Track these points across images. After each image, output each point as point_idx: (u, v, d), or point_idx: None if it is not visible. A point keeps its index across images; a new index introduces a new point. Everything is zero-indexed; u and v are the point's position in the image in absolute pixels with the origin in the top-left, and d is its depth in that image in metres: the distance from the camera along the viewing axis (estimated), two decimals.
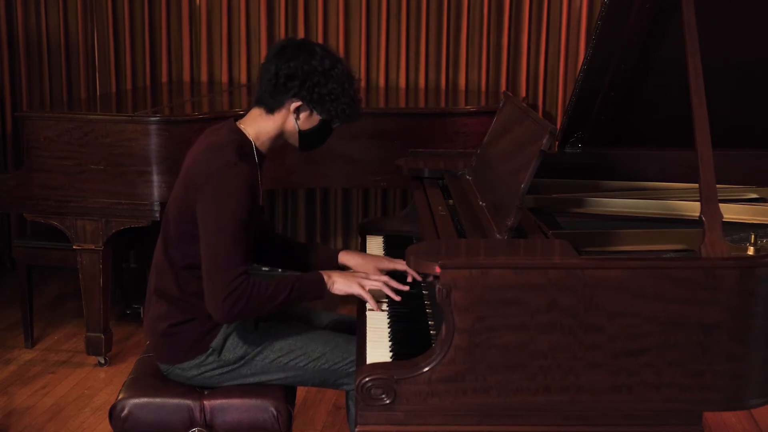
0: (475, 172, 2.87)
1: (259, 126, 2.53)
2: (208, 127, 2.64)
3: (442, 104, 4.55)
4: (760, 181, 3.02)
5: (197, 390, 2.55)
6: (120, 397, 2.54)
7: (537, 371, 2.06)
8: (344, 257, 2.76)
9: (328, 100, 2.47)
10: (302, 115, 2.50)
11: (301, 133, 2.53)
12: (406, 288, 2.51)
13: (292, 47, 2.49)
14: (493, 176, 2.57)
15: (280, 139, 2.56)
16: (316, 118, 2.51)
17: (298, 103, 2.47)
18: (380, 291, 2.51)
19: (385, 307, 2.50)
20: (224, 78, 5.04)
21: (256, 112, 2.54)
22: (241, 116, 2.58)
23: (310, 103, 2.47)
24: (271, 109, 2.50)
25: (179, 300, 2.52)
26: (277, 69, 2.46)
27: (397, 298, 2.49)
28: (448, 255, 2.12)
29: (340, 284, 2.50)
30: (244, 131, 2.52)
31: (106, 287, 3.90)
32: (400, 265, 2.66)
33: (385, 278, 2.53)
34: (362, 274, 2.56)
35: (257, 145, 2.53)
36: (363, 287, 2.49)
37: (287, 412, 2.51)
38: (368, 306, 2.50)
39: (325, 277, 2.49)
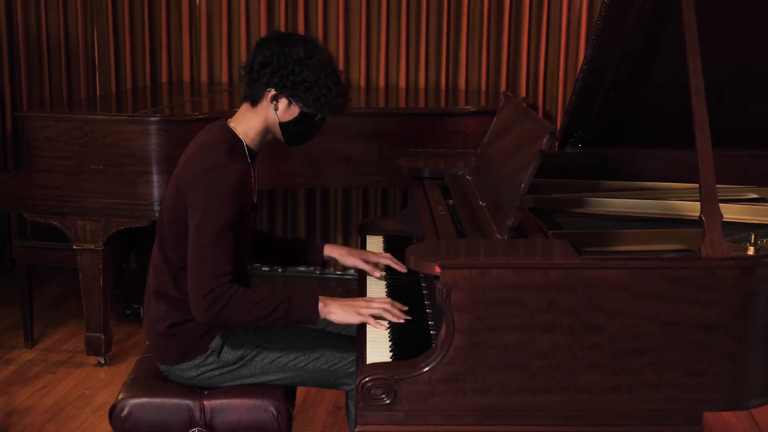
0: (475, 172, 2.87)
1: (246, 122, 2.52)
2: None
3: (442, 104, 4.55)
4: (760, 181, 3.02)
5: (197, 390, 2.55)
6: (120, 397, 2.54)
7: (537, 371, 2.06)
8: (329, 250, 2.80)
9: (301, 89, 2.44)
10: (280, 105, 2.48)
11: (283, 125, 2.51)
12: (405, 310, 2.43)
13: (271, 38, 2.49)
14: (493, 176, 2.57)
15: (268, 134, 2.55)
16: (295, 109, 2.48)
17: (273, 92, 2.46)
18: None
19: (386, 324, 2.38)
20: (224, 78, 5.04)
21: (243, 108, 2.54)
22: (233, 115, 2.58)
23: (284, 90, 2.45)
24: (254, 102, 2.50)
25: (177, 301, 2.52)
26: (253, 58, 2.47)
27: (401, 321, 2.38)
28: (448, 255, 2.12)
29: (337, 315, 2.40)
30: (234, 129, 2.52)
31: (106, 287, 3.90)
32: (383, 258, 2.70)
33: (387, 304, 2.42)
34: (362, 302, 2.45)
35: (247, 142, 2.52)
36: (362, 315, 2.39)
37: (287, 412, 2.51)
38: (368, 328, 2.39)
39: (321, 304, 2.40)
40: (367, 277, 2.78)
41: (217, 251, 2.35)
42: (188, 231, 2.42)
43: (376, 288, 2.70)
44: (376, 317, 2.39)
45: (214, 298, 2.33)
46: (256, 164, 2.57)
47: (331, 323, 2.74)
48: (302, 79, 2.43)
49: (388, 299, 2.46)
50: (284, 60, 2.43)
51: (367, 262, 2.76)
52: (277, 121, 2.50)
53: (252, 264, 2.72)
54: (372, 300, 2.46)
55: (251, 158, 2.53)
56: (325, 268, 5.17)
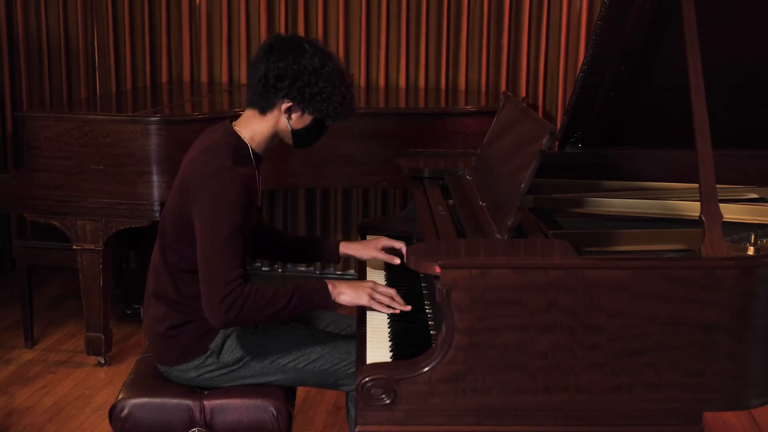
0: (475, 172, 2.87)
1: (253, 127, 2.51)
2: (209, 127, 2.63)
3: (442, 104, 4.55)
4: (760, 181, 3.02)
5: (197, 390, 2.55)
6: (120, 397, 2.54)
7: (537, 371, 2.06)
8: (344, 247, 2.81)
9: (318, 99, 2.44)
10: (294, 115, 2.48)
11: (294, 132, 2.51)
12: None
13: (281, 46, 2.45)
14: (493, 176, 2.58)
15: (275, 139, 2.55)
16: (308, 118, 2.48)
17: (289, 104, 2.45)
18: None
19: (397, 310, 2.44)
20: (224, 78, 5.04)
21: (249, 114, 2.52)
22: (238, 117, 2.57)
23: (301, 103, 2.44)
24: (263, 110, 2.48)
25: (177, 303, 2.52)
26: (266, 69, 2.43)
27: (405, 309, 2.43)
28: (448, 255, 2.12)
29: (346, 295, 2.45)
30: (239, 133, 2.51)
31: (106, 287, 3.90)
32: (397, 243, 2.71)
33: (393, 291, 2.47)
34: (370, 284, 2.50)
35: (253, 146, 2.51)
36: (372, 298, 2.45)
37: (287, 412, 2.52)
38: (368, 310, 2.47)
39: (330, 287, 2.44)
40: (367, 274, 2.79)
41: (228, 255, 2.34)
42: (190, 233, 2.41)
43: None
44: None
45: (230, 303, 2.32)
46: (260, 168, 2.56)
47: (331, 323, 2.77)
48: (319, 90, 2.42)
49: (393, 290, 2.49)
50: (300, 71, 2.41)
51: (384, 249, 2.75)
52: (290, 130, 2.50)
53: (253, 262, 2.72)
54: (377, 285, 2.50)
55: (256, 162, 2.52)
56: (326, 267, 5.17)
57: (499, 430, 2.10)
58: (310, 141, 2.57)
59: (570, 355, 2.05)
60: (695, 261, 2.15)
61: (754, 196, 2.97)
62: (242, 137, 2.50)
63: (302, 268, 5.22)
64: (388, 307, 2.45)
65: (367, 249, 2.76)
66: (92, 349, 3.96)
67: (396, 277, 2.75)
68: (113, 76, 5.11)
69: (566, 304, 2.03)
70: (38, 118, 3.83)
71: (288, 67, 2.41)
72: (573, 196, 2.84)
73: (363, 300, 2.45)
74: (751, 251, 2.29)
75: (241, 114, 2.57)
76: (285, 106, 2.45)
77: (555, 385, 2.07)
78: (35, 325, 4.25)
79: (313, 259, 2.89)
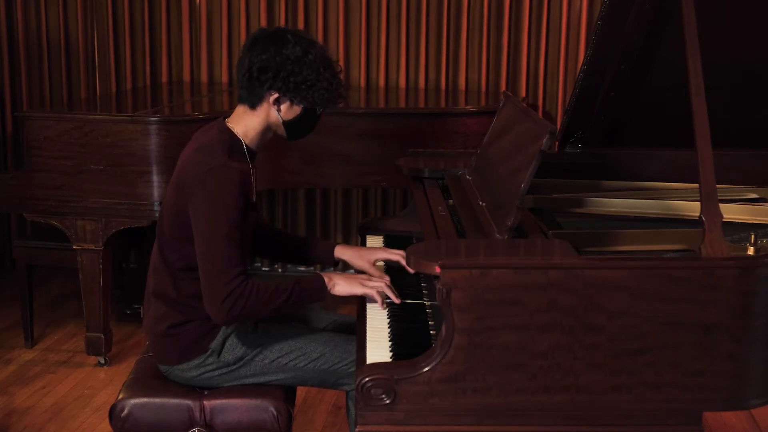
0: (475, 172, 2.87)
1: (245, 123, 2.52)
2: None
3: (442, 104, 4.55)
4: (760, 181, 3.02)
5: (197, 390, 2.55)
6: (120, 397, 2.54)
7: (537, 371, 2.06)
8: (339, 251, 2.80)
9: (304, 87, 2.44)
10: (283, 106, 2.48)
11: (286, 124, 2.51)
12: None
13: (263, 39, 2.47)
14: (493, 176, 2.58)
15: (268, 132, 2.55)
16: (297, 108, 2.49)
17: (276, 95, 2.46)
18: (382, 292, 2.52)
19: (384, 307, 2.48)
20: (224, 78, 5.04)
21: (240, 110, 2.53)
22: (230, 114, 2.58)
23: (287, 92, 2.45)
24: (252, 105, 2.49)
25: (177, 302, 2.52)
26: (250, 63, 2.45)
27: (397, 301, 2.49)
28: (448, 255, 2.12)
29: (341, 286, 2.49)
30: (233, 130, 2.51)
31: (106, 287, 3.90)
32: (394, 255, 2.69)
33: (387, 279, 2.53)
34: (364, 275, 2.57)
35: (246, 142, 2.52)
36: (366, 287, 2.49)
37: (287, 412, 2.52)
38: (368, 302, 2.51)
39: (326, 279, 2.48)
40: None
41: (228, 253, 2.35)
42: (188, 231, 2.42)
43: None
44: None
45: (233, 301, 2.34)
46: (255, 164, 2.57)
47: (331, 323, 2.77)
48: (303, 78, 2.43)
49: (387, 278, 2.54)
50: (282, 62, 2.42)
51: (377, 262, 2.76)
52: (281, 121, 2.50)
53: (253, 262, 2.74)
54: (371, 277, 2.56)
55: (251, 158, 2.53)
56: (326, 267, 5.17)
57: (499, 430, 2.10)
58: (304, 131, 2.57)
59: (570, 355, 2.05)
60: (695, 261, 2.15)
61: (754, 196, 2.98)
62: (236, 133, 2.51)
63: (302, 268, 5.22)
64: (384, 295, 2.48)
65: (361, 259, 2.75)
66: (92, 349, 3.97)
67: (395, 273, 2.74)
68: (113, 76, 5.11)
69: (566, 304, 2.03)
70: (38, 118, 3.83)
71: (271, 59, 2.42)
72: (573, 196, 2.84)
73: (357, 290, 2.49)
74: (751, 251, 2.29)
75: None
76: (273, 97, 2.46)
77: (555, 385, 2.07)
78: (35, 325, 4.25)
79: (311, 260, 2.89)
